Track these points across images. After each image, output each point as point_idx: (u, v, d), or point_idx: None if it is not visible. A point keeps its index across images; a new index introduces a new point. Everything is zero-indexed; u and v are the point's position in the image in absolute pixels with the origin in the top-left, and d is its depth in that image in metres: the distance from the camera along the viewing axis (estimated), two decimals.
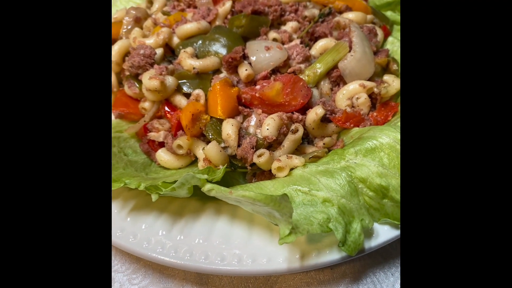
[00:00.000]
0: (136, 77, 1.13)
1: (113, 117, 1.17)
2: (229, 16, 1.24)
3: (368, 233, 0.83)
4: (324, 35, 1.19)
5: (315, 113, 0.98)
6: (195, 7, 1.34)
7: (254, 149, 0.92)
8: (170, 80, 1.05)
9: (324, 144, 0.99)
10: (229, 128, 0.94)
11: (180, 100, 1.07)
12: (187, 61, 1.10)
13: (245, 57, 1.11)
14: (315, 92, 1.08)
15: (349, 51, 1.08)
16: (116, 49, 1.19)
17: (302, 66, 1.10)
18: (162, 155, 1.01)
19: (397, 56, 1.24)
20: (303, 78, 1.05)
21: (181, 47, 1.16)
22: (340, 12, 1.28)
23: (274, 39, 1.17)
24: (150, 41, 1.17)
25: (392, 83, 1.10)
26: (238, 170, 0.96)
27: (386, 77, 1.13)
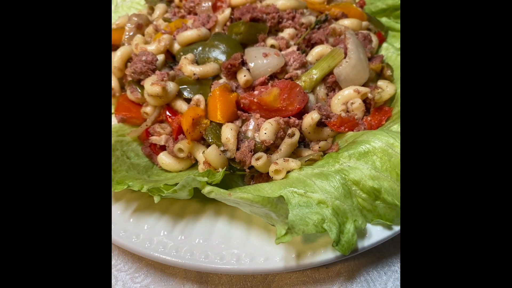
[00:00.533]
0: (138, 83, 1.15)
1: (115, 121, 1.19)
2: (228, 23, 1.26)
3: (361, 233, 0.85)
4: (320, 42, 1.21)
5: (311, 117, 1.00)
6: (195, 14, 1.36)
7: (252, 153, 0.94)
8: (171, 86, 1.08)
9: (319, 147, 1.02)
10: (228, 132, 0.96)
11: (181, 105, 1.09)
12: (188, 67, 1.12)
13: (243, 63, 1.13)
14: (311, 97, 1.10)
15: (344, 57, 1.11)
16: (118, 55, 1.21)
17: (299, 72, 1.12)
18: (164, 158, 1.04)
19: (392, 62, 1.26)
20: (300, 84, 1.08)
21: (181, 53, 1.19)
22: (336, 19, 1.31)
23: (272, 46, 1.19)
24: (151, 47, 1.19)
25: (386, 89, 1.13)
26: (236, 173, 0.99)
27: (380, 83, 1.15)
